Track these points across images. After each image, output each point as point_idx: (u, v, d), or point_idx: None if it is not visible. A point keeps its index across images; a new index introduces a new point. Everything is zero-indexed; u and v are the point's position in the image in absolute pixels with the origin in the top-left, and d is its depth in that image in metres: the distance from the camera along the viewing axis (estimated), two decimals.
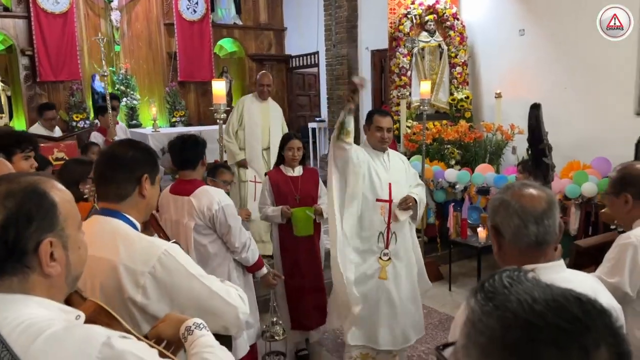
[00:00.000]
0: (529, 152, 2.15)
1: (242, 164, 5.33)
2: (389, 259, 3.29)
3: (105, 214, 1.64)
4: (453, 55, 6.89)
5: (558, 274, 1.45)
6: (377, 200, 3.28)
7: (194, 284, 1.61)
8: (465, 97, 6.81)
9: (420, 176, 5.51)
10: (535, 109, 2.22)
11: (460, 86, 6.90)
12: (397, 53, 6.78)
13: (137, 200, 1.67)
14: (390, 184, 3.31)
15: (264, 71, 5.65)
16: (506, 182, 5.31)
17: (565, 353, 0.59)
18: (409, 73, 6.83)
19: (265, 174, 3.92)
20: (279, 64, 11.23)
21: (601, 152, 5.25)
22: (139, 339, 1.19)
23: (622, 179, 2.02)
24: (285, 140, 3.83)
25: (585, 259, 2.20)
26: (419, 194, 3.44)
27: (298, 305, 3.79)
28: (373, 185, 3.28)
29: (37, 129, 5.94)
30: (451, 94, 6.91)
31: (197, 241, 2.79)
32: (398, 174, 3.40)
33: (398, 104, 6.69)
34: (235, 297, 1.70)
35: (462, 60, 6.89)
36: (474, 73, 7.17)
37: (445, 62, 6.90)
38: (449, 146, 6.29)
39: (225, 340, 1.68)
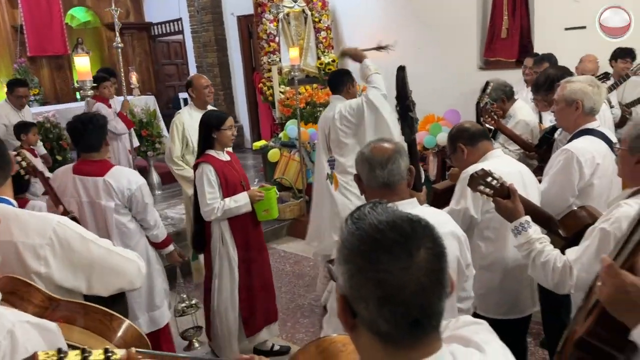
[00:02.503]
0: (397, 108, 2.47)
1: None
2: None
3: None
4: (317, 20, 7.15)
5: (414, 209, 1.79)
6: None
7: (92, 247, 1.82)
8: (332, 61, 7.14)
9: (296, 139, 5.79)
10: (400, 71, 2.53)
11: (327, 50, 7.21)
12: (264, 19, 6.87)
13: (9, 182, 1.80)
14: None
15: (196, 74, 4.71)
16: None
17: (396, 256, 0.86)
18: (277, 39, 6.97)
19: (197, 166, 3.17)
20: (139, 33, 10.69)
21: (452, 104, 5.88)
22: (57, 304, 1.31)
23: (452, 136, 2.51)
24: (220, 120, 3.16)
25: (442, 200, 2.60)
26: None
27: (251, 308, 3.35)
28: None
29: (3, 106, 5.38)
30: (319, 58, 7.20)
31: (117, 220, 2.80)
32: None
33: (269, 70, 6.83)
34: (132, 254, 1.94)
35: (326, 25, 7.18)
36: (338, 37, 7.51)
37: (310, 27, 7.14)
38: (321, 109, 6.59)
39: (119, 303, 1.87)
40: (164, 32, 10.74)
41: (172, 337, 3.30)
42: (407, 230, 0.89)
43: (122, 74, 5.03)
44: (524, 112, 3.66)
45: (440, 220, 1.89)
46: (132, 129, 5.61)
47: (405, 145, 2.18)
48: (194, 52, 9.47)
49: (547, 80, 3.27)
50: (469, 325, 1.13)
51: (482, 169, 2.02)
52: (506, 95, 3.68)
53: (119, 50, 4.82)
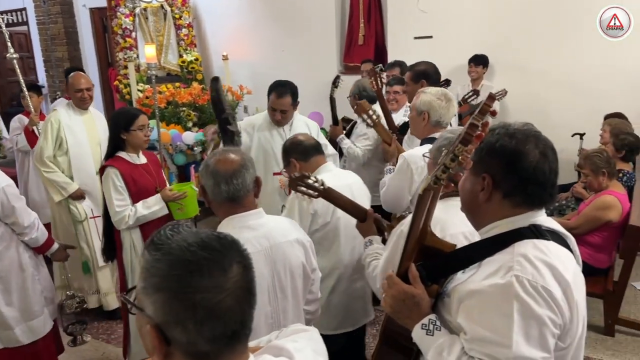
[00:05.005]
0: (219, 121, 2.41)
1: (78, 195, 3.89)
2: None
3: None
4: (177, 16, 6.89)
5: (260, 219, 1.83)
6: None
7: None
8: (194, 59, 6.93)
9: (157, 141, 5.54)
10: (215, 82, 2.48)
11: (189, 48, 6.98)
12: (118, 13, 6.47)
13: None
14: None
15: (76, 72, 4.13)
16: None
17: (210, 274, 0.86)
18: (133, 34, 6.60)
19: (103, 169, 2.89)
20: None
21: (315, 107, 6.02)
22: None
23: (285, 150, 2.54)
24: (128, 120, 2.85)
25: None
26: None
27: None
28: None
29: None
30: (180, 55, 6.95)
31: None
32: None
33: (126, 67, 6.43)
34: None
35: (187, 22, 6.95)
36: (201, 35, 7.32)
37: (170, 24, 6.86)
38: (184, 109, 6.37)
39: None
40: (7, 22, 9.61)
41: (57, 346, 3.17)
42: (217, 247, 0.89)
43: None
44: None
45: (285, 228, 1.91)
46: None
47: None
48: (40, 45, 8.63)
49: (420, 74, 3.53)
50: (294, 333, 1.19)
51: (301, 172, 2.09)
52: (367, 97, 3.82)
53: None
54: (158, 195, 2.92)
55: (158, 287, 0.87)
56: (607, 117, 4.61)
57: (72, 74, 4.10)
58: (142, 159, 3.01)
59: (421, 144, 2.73)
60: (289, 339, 1.14)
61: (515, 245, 1.24)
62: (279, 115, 3.38)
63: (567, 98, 5.34)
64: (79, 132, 3.97)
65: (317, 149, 2.52)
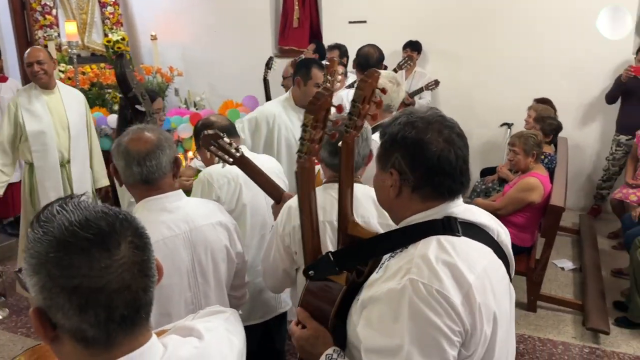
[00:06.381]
0: (127, 100, 2.18)
1: None
2: None
3: None
4: None
5: (179, 201, 1.73)
6: None
7: None
8: (121, 39, 6.59)
9: None
10: (119, 59, 2.25)
11: (115, 27, 6.64)
12: None
13: None
14: None
15: (33, 47, 3.70)
16: (169, 124, 5.51)
17: (91, 255, 0.78)
18: (54, 11, 6.18)
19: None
20: None
21: (250, 90, 5.88)
22: None
23: (197, 131, 2.31)
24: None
25: None
26: None
27: None
28: None
29: None
30: (106, 35, 6.59)
31: None
32: None
33: (46, 46, 6.02)
34: None
35: (113, 0, 6.59)
36: (128, 14, 6.97)
37: (95, 1, 6.48)
38: (110, 91, 6.06)
39: None
40: None
41: None
42: (103, 226, 0.82)
43: None
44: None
45: (207, 210, 1.82)
46: None
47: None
48: None
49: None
50: (209, 315, 1.14)
51: (216, 131, 1.90)
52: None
53: None
54: None
55: (36, 269, 0.80)
56: (536, 101, 4.79)
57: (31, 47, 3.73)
58: None
59: (373, 132, 2.67)
60: (202, 320, 1.09)
61: (419, 243, 1.15)
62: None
63: (498, 87, 5.50)
64: (42, 115, 3.58)
65: (230, 130, 2.31)
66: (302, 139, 1.20)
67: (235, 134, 2.37)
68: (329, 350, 1.26)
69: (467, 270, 1.10)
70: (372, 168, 1.37)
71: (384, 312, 1.10)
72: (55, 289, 0.78)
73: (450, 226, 1.17)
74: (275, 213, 2.05)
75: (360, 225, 1.47)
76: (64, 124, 3.67)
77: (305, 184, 1.35)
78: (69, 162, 3.73)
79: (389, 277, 1.14)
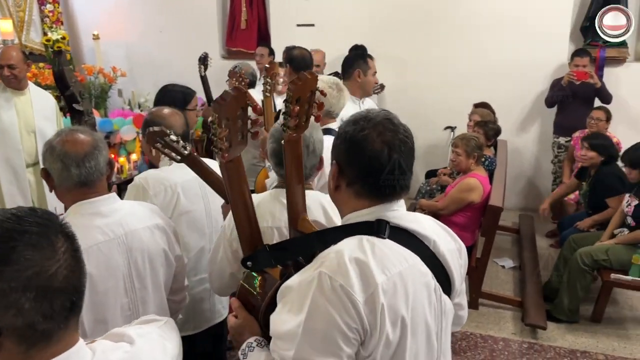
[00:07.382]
0: (64, 99, 2.14)
1: None
2: None
3: None
4: None
5: (114, 204, 1.68)
6: None
7: None
8: (61, 38, 6.33)
9: None
10: (58, 55, 2.21)
11: (54, 26, 6.39)
12: None
13: None
14: None
15: (8, 45, 3.58)
16: (112, 126, 5.35)
17: (40, 247, 0.84)
18: None
19: None
20: None
21: (196, 91, 5.77)
22: None
23: (145, 124, 2.14)
24: (186, 99, 2.82)
25: None
26: None
27: None
28: None
29: None
30: (45, 34, 6.33)
31: None
32: None
33: None
34: None
35: None
36: (69, 12, 6.73)
37: None
38: (49, 91, 5.81)
39: None
40: None
41: None
42: (37, 219, 0.87)
43: None
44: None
45: (144, 213, 1.78)
46: None
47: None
48: None
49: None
50: (144, 323, 1.15)
51: (161, 128, 1.81)
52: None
53: None
54: None
55: None
56: (476, 105, 4.96)
57: None
58: None
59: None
60: (134, 327, 1.10)
61: (345, 239, 1.16)
62: (377, 78, 3.49)
63: (442, 91, 5.64)
64: (7, 118, 3.49)
65: (184, 135, 2.29)
66: (213, 134, 1.19)
67: (188, 139, 2.28)
68: (251, 339, 1.26)
69: (378, 271, 1.11)
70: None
71: (292, 300, 1.13)
72: (3, 287, 0.81)
73: (379, 228, 1.18)
74: (225, 213, 2.01)
75: (308, 222, 1.46)
76: (29, 128, 3.59)
77: (232, 178, 1.32)
78: (36, 164, 3.63)
79: (307, 269, 1.16)
